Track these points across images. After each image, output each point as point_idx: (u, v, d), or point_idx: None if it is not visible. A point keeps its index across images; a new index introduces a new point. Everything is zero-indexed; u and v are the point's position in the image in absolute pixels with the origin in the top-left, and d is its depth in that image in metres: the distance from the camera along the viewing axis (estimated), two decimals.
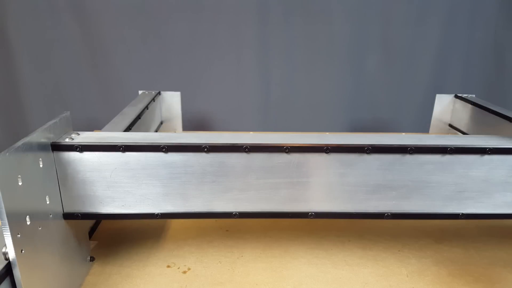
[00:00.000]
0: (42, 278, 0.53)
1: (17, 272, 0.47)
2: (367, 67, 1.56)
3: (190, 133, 0.71)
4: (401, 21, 1.49)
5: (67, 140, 0.59)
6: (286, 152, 0.59)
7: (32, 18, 1.42)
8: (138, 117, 0.96)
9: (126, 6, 1.43)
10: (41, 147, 0.54)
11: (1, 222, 0.45)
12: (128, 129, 0.86)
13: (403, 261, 0.73)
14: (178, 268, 0.70)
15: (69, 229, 0.62)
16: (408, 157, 0.61)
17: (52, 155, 0.57)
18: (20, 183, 0.48)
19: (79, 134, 0.62)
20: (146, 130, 1.06)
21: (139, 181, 0.60)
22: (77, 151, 0.57)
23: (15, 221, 0.46)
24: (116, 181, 0.60)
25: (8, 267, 0.47)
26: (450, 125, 1.27)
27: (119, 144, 0.58)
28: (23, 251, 0.47)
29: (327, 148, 0.59)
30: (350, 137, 0.63)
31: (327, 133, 0.67)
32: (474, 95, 1.21)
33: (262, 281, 0.67)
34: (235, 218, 0.63)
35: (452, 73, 1.57)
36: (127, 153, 0.58)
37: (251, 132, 0.65)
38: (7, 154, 0.45)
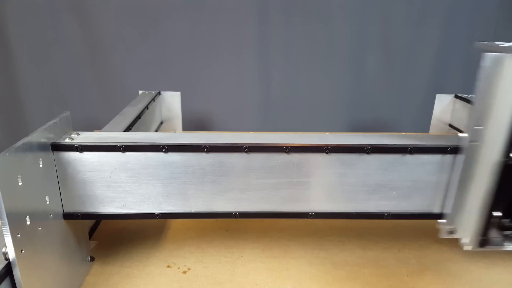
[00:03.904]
0: (42, 278, 0.53)
1: (17, 272, 0.47)
2: (367, 67, 1.56)
3: (190, 133, 0.71)
4: (401, 21, 1.49)
5: (67, 140, 0.59)
6: (286, 152, 0.59)
7: (32, 18, 1.42)
8: (138, 117, 0.96)
9: (126, 6, 1.43)
10: (41, 147, 0.54)
11: (1, 222, 0.45)
12: (128, 129, 0.86)
13: (403, 261, 0.73)
14: (178, 268, 0.70)
15: (69, 229, 0.62)
16: (408, 157, 0.61)
17: (52, 155, 0.57)
18: (20, 183, 0.48)
19: (79, 134, 0.62)
20: (146, 130, 1.06)
21: (139, 181, 0.60)
22: (77, 151, 0.57)
23: (15, 221, 0.46)
24: (116, 181, 0.60)
25: (8, 267, 0.47)
26: (450, 125, 1.27)
27: (119, 144, 0.58)
28: (23, 251, 0.47)
29: (327, 148, 0.59)
30: (350, 137, 0.63)
31: (327, 133, 0.67)
32: (474, 95, 1.21)
33: (262, 281, 0.67)
34: (235, 218, 0.63)
35: (452, 73, 1.57)
36: (127, 153, 0.58)
37: (251, 132, 0.65)
38: (7, 154, 0.45)
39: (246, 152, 0.59)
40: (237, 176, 0.61)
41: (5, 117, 1.56)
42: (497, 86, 0.52)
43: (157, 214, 0.62)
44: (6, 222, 0.44)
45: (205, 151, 0.59)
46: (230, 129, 1.62)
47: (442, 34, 1.51)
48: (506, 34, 1.52)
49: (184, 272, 0.69)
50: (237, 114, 1.61)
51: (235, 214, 0.63)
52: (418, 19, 1.49)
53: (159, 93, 1.23)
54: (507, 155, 0.54)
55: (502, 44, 0.54)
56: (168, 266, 0.71)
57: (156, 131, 1.19)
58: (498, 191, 0.56)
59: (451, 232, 0.61)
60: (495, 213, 0.57)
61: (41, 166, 0.53)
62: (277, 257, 0.74)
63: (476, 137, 0.55)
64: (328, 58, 1.53)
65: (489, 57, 0.52)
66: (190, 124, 1.55)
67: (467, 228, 0.61)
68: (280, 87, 1.57)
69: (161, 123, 1.26)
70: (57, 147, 0.57)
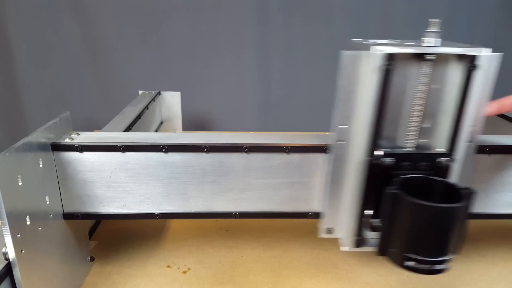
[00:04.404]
0: (42, 278, 0.53)
1: (17, 272, 0.47)
2: None
3: (190, 133, 0.71)
4: (401, 21, 1.49)
5: (67, 140, 0.59)
6: (286, 152, 0.59)
7: (32, 18, 1.42)
8: (138, 117, 0.96)
9: (126, 6, 1.43)
10: (41, 147, 0.54)
11: (1, 222, 0.45)
12: (128, 129, 0.86)
13: None
14: (178, 268, 0.70)
15: (69, 229, 0.62)
16: None
17: (52, 155, 0.57)
18: (20, 183, 0.48)
19: (79, 134, 0.62)
20: (146, 130, 1.06)
21: (139, 181, 0.60)
22: (77, 151, 0.57)
23: (15, 221, 0.46)
24: (116, 181, 0.60)
25: (8, 267, 0.47)
26: None
27: (119, 144, 0.58)
28: (23, 251, 0.47)
29: (327, 148, 0.59)
30: None
31: (327, 133, 0.67)
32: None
33: (262, 281, 0.67)
34: (235, 218, 0.63)
35: None
36: (127, 153, 0.58)
37: (251, 132, 0.65)
38: (7, 154, 0.45)
39: (246, 152, 0.59)
40: (237, 176, 0.61)
41: (5, 117, 1.56)
42: (357, 84, 0.52)
43: (157, 214, 0.62)
44: (6, 222, 0.44)
45: (205, 151, 0.59)
46: (230, 129, 1.62)
47: (442, 34, 1.51)
48: (506, 34, 1.52)
49: (184, 272, 0.69)
50: (237, 114, 1.61)
51: (235, 214, 0.63)
52: (418, 19, 1.49)
53: (159, 93, 1.23)
54: (371, 154, 0.53)
55: (375, 42, 0.54)
56: (168, 266, 0.71)
57: (156, 131, 1.19)
58: (366, 190, 0.56)
59: (329, 231, 0.61)
60: (367, 212, 0.57)
61: (41, 166, 0.53)
62: (277, 257, 0.74)
63: (342, 136, 0.55)
64: (328, 58, 1.53)
65: (345, 54, 0.52)
66: (190, 124, 1.55)
67: (342, 228, 0.60)
68: (280, 87, 1.57)
69: (161, 123, 1.26)
70: (57, 147, 0.57)
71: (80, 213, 0.61)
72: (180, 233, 0.81)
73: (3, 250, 0.47)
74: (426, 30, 0.52)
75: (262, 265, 0.71)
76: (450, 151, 0.55)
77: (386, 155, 0.53)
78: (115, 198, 0.61)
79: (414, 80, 0.52)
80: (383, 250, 0.53)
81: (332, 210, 0.60)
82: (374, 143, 0.53)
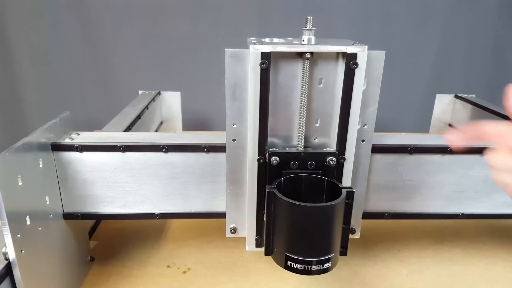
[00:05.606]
0: (42, 278, 0.53)
1: (17, 272, 0.47)
2: None
3: (190, 133, 0.71)
4: (401, 21, 1.49)
5: (67, 140, 0.59)
6: None
7: (32, 18, 1.42)
8: (138, 117, 0.96)
9: (126, 6, 1.42)
10: (41, 147, 0.54)
11: (1, 222, 0.45)
12: (128, 129, 0.86)
13: (403, 261, 0.73)
14: (178, 268, 0.70)
15: (69, 229, 0.62)
16: (408, 157, 0.61)
17: (52, 155, 0.57)
18: (20, 183, 0.48)
19: (79, 134, 0.62)
20: (146, 130, 1.06)
21: (139, 181, 0.60)
22: (77, 151, 0.57)
23: (15, 221, 0.46)
24: (116, 181, 0.60)
25: (8, 267, 0.47)
26: (450, 125, 1.27)
27: (119, 144, 0.58)
28: (23, 251, 0.47)
29: None
30: None
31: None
32: (474, 95, 1.21)
33: (262, 281, 0.67)
34: None
35: (452, 73, 1.57)
36: (127, 153, 0.58)
37: None
38: (7, 154, 0.45)
39: None
40: None
41: (5, 117, 1.56)
42: (244, 83, 0.51)
43: (157, 214, 0.62)
44: (6, 222, 0.44)
45: (205, 151, 0.59)
46: None
47: (442, 34, 1.51)
48: (506, 34, 1.52)
49: (184, 272, 0.69)
50: None
51: None
52: (418, 19, 1.49)
53: (159, 93, 1.23)
54: (260, 153, 0.53)
55: (257, 40, 0.52)
56: (168, 266, 0.71)
57: (156, 131, 1.19)
58: (260, 190, 0.55)
59: (234, 231, 0.61)
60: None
61: (41, 166, 0.53)
62: None
63: (234, 135, 0.54)
64: None
65: (227, 53, 0.50)
66: (190, 124, 1.55)
67: (244, 228, 0.60)
68: None
69: (161, 123, 1.26)
70: (57, 147, 0.57)
71: (80, 213, 0.61)
72: (180, 233, 0.81)
73: (3, 250, 0.47)
74: (304, 28, 0.52)
75: (262, 265, 0.71)
76: (339, 151, 0.53)
77: (271, 154, 0.52)
78: (115, 198, 0.61)
79: (300, 80, 0.51)
80: (268, 249, 0.51)
81: (234, 209, 0.60)
82: (264, 142, 0.53)
